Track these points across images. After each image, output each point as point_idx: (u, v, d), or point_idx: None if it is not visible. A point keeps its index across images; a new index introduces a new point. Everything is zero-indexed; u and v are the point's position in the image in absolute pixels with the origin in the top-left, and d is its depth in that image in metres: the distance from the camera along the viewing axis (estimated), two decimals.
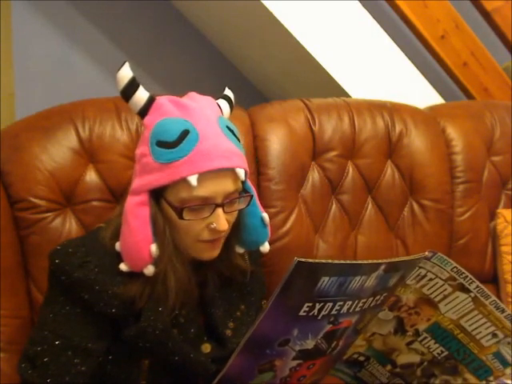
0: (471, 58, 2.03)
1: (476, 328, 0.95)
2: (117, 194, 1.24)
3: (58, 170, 1.20)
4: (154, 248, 0.92)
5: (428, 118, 1.63)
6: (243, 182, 0.97)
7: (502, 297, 1.57)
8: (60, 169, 1.21)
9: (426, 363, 1.02)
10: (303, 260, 0.74)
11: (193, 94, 0.98)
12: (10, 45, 2.01)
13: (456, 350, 0.98)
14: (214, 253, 0.98)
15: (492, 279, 1.63)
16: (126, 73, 0.92)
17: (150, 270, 0.93)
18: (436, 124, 1.63)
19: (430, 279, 0.91)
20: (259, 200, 1.07)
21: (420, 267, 0.89)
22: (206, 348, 1.01)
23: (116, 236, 0.97)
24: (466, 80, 2.05)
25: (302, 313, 0.81)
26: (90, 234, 1.05)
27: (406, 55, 1.96)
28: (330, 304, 0.82)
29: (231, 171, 0.92)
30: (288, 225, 1.40)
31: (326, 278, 0.78)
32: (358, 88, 1.90)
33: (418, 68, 1.98)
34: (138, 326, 0.94)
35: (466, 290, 0.91)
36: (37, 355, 0.93)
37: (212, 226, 0.92)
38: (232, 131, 0.95)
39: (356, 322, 0.91)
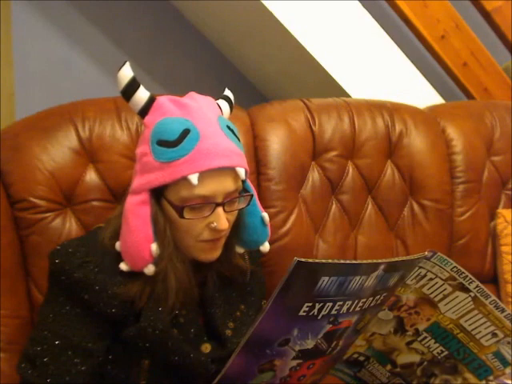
0: (471, 57, 2.03)
1: (476, 327, 0.95)
2: (117, 194, 1.23)
3: (57, 169, 1.20)
4: (154, 247, 0.92)
5: (428, 118, 1.63)
6: (243, 182, 0.97)
7: (502, 297, 1.57)
8: (60, 169, 1.21)
9: (426, 363, 1.02)
10: (303, 260, 0.74)
11: (193, 94, 0.98)
12: (10, 45, 2.01)
13: (456, 349, 0.99)
14: (215, 254, 0.98)
15: (492, 279, 1.63)
16: (126, 73, 0.93)
17: (150, 269, 0.93)
18: (436, 124, 1.63)
19: (430, 279, 0.91)
20: (259, 200, 1.07)
21: (420, 267, 0.89)
22: (206, 348, 1.01)
23: (116, 236, 0.97)
24: (466, 80, 2.05)
25: (301, 313, 0.81)
26: (90, 234, 1.05)
27: (406, 55, 1.96)
28: (330, 304, 0.82)
29: (232, 170, 0.93)
30: (288, 225, 1.40)
31: (326, 278, 0.78)
32: (358, 88, 1.90)
33: (418, 68, 1.99)
34: (138, 326, 0.94)
35: (465, 290, 0.91)
36: (37, 355, 0.93)
37: (212, 225, 0.92)
38: (232, 131, 0.96)
39: (356, 322, 0.91)
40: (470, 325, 0.95)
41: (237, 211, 0.98)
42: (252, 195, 0.99)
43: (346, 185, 1.49)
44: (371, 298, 0.87)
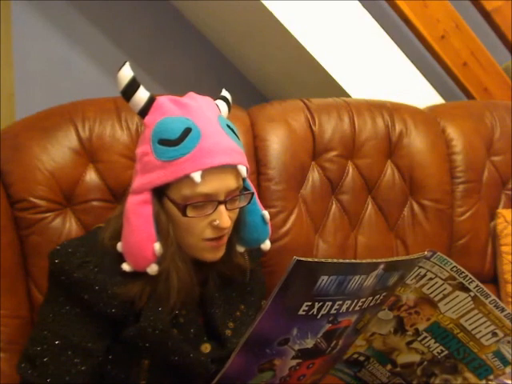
0: (471, 57, 2.03)
1: (476, 327, 0.95)
2: (117, 194, 1.23)
3: (58, 169, 1.20)
4: (157, 246, 0.92)
5: (428, 118, 1.63)
6: (243, 180, 0.98)
7: (502, 297, 1.57)
8: (60, 169, 1.21)
9: (426, 362, 1.02)
10: (302, 259, 0.74)
11: (192, 94, 0.99)
12: (10, 45, 2.01)
13: (456, 349, 0.99)
14: (219, 254, 0.98)
15: (492, 279, 1.63)
16: (126, 73, 0.93)
17: (153, 268, 0.93)
18: (436, 124, 1.63)
19: (430, 279, 0.91)
20: (259, 200, 1.07)
21: (420, 267, 0.89)
22: (206, 348, 1.02)
23: (116, 236, 0.97)
24: (466, 80, 2.05)
25: (301, 312, 0.81)
26: (90, 234, 1.05)
27: (406, 55, 1.96)
28: (329, 303, 0.82)
29: (233, 168, 0.93)
30: (288, 225, 1.40)
31: (325, 277, 0.78)
32: (358, 88, 1.90)
33: (418, 68, 1.98)
34: (138, 326, 0.94)
35: (465, 290, 0.91)
36: (37, 355, 0.93)
37: (215, 223, 0.93)
38: (232, 130, 0.96)
39: (355, 322, 0.91)
40: (470, 324, 0.95)
41: (238, 209, 0.98)
42: (253, 193, 0.99)
43: (345, 185, 1.49)
44: (371, 298, 0.87)
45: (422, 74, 1.99)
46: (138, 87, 0.93)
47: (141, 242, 0.93)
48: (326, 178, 1.47)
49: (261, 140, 1.42)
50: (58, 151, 1.21)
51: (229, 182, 0.93)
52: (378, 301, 0.90)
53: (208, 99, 0.99)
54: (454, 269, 0.89)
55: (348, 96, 1.89)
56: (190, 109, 0.93)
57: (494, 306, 0.92)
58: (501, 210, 1.63)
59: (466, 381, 1.01)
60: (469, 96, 2.09)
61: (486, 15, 2.06)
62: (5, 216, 1.16)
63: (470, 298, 0.92)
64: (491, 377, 1.00)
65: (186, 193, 0.91)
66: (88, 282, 0.93)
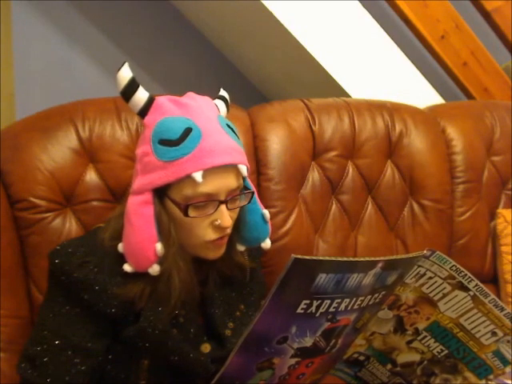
0: (471, 57, 2.03)
1: (475, 326, 0.95)
2: (117, 194, 1.24)
3: (58, 169, 1.20)
4: (159, 247, 0.92)
5: (428, 118, 1.63)
6: (243, 180, 0.98)
7: (502, 297, 1.57)
8: (60, 169, 1.21)
9: (425, 362, 1.02)
10: (300, 257, 0.75)
11: (191, 94, 0.99)
12: (10, 45, 2.01)
13: (456, 348, 0.98)
14: (220, 252, 0.99)
15: (492, 279, 1.63)
16: (125, 73, 0.93)
17: (155, 269, 0.93)
18: (436, 124, 1.63)
19: (429, 278, 0.91)
20: (259, 200, 1.07)
21: (419, 266, 0.89)
22: (206, 348, 1.02)
23: (116, 236, 0.97)
24: (466, 80, 2.05)
25: (299, 310, 0.81)
26: (90, 234, 1.05)
27: (406, 55, 1.96)
28: (328, 301, 0.82)
29: (234, 167, 0.93)
30: (288, 225, 1.40)
31: (323, 275, 0.78)
32: (358, 88, 1.90)
33: (418, 68, 1.98)
34: (138, 326, 0.94)
35: (465, 289, 0.91)
36: (37, 355, 0.93)
37: (216, 222, 0.93)
38: (232, 129, 0.97)
39: (355, 320, 0.91)
40: (469, 324, 0.95)
41: (238, 209, 0.98)
42: (253, 192, 0.99)
43: (345, 185, 1.49)
44: (370, 296, 0.87)
45: (422, 74, 1.99)
46: (137, 87, 0.93)
47: (142, 242, 0.93)
48: (326, 178, 1.47)
49: (261, 140, 1.42)
50: (58, 151, 1.21)
51: (230, 182, 0.93)
52: (377, 300, 0.90)
53: (207, 99, 0.99)
54: (454, 268, 0.89)
55: (348, 96, 1.89)
56: (189, 108, 0.93)
57: (494, 306, 0.92)
58: (501, 210, 1.63)
59: (465, 380, 1.01)
60: (469, 96, 2.09)
61: (486, 15, 2.06)
62: (5, 216, 1.16)
63: (469, 298, 0.92)
64: (491, 376, 1.00)
65: (188, 193, 0.91)
66: (88, 282, 0.93)
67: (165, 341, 0.96)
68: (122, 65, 0.93)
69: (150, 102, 0.94)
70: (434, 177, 1.56)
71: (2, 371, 1.09)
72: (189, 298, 0.98)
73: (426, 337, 0.99)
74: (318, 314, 0.83)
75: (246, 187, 0.99)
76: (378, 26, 1.90)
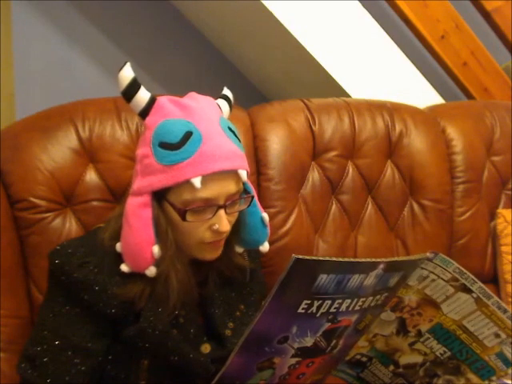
0: (471, 57, 2.03)
1: (478, 328, 0.94)
2: (117, 194, 1.23)
3: (58, 169, 1.20)
4: (156, 249, 0.92)
5: (428, 118, 1.63)
6: (244, 183, 0.97)
7: (502, 297, 1.57)
8: (60, 169, 1.20)
9: (428, 363, 1.02)
10: (301, 257, 0.75)
11: (193, 94, 0.98)
12: (10, 45, 2.01)
13: (459, 350, 0.98)
14: (217, 253, 0.99)
15: (492, 279, 1.63)
16: (127, 73, 0.92)
17: (151, 271, 0.93)
18: (436, 124, 1.63)
19: (432, 280, 0.90)
20: (259, 200, 1.07)
21: (422, 268, 0.89)
22: (206, 348, 1.02)
23: (116, 236, 0.97)
24: (466, 80, 2.05)
25: (300, 310, 0.81)
26: (90, 234, 1.05)
27: (406, 55, 1.96)
28: (329, 302, 0.82)
29: (234, 173, 0.93)
30: (288, 225, 1.40)
31: (324, 276, 0.78)
32: (358, 88, 1.90)
33: (418, 68, 1.98)
34: (138, 327, 0.94)
35: (468, 291, 0.90)
36: (36, 355, 0.93)
37: (214, 227, 0.93)
38: (233, 132, 0.96)
39: (356, 322, 0.91)
40: (472, 325, 0.94)
41: (238, 212, 0.98)
42: (253, 196, 0.99)
43: (345, 185, 1.49)
44: (371, 298, 0.87)
45: (422, 74, 1.99)
46: (138, 88, 0.93)
47: (140, 244, 0.93)
48: (326, 178, 1.47)
49: (261, 140, 1.42)
50: (58, 151, 1.21)
51: (229, 187, 0.92)
52: (379, 301, 0.90)
53: (209, 99, 0.98)
54: (457, 270, 0.89)
55: (348, 96, 1.89)
56: (191, 111, 0.92)
57: (497, 308, 0.91)
58: (501, 210, 1.63)
59: (468, 382, 1.01)
60: (469, 96, 2.09)
61: (486, 15, 2.06)
62: (5, 216, 1.16)
63: (472, 300, 0.91)
64: (494, 378, 1.00)
65: (186, 197, 0.90)
66: (88, 282, 0.93)
67: (165, 341, 0.96)
68: (124, 65, 0.93)
69: (152, 102, 0.94)
70: (433, 177, 1.56)
71: (2, 371, 1.09)
72: (188, 298, 0.98)
73: (428, 338, 0.98)
74: (318, 315, 0.83)
75: (246, 190, 0.99)
76: (378, 26, 1.90)
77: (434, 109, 1.72)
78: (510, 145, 1.67)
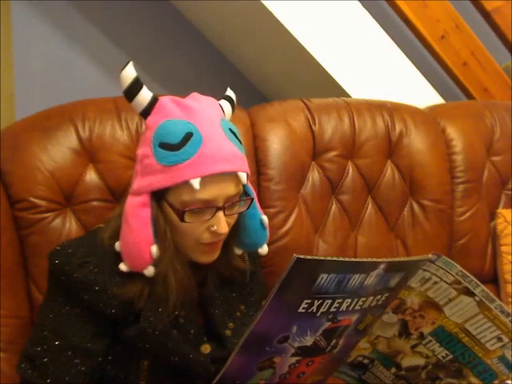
0: (471, 57, 2.03)
1: (481, 332, 0.94)
2: (117, 194, 1.23)
3: (58, 169, 1.20)
4: (154, 249, 0.92)
5: (428, 118, 1.63)
6: (244, 185, 0.97)
7: (502, 297, 1.57)
8: (60, 169, 1.20)
9: (430, 366, 1.01)
10: (302, 257, 0.75)
11: (195, 95, 0.98)
12: (10, 45, 2.01)
13: (461, 353, 0.98)
14: (213, 256, 0.98)
15: (492, 279, 1.63)
16: (129, 73, 0.92)
17: (150, 270, 0.93)
18: (436, 124, 1.63)
19: (435, 282, 0.90)
20: (259, 200, 1.07)
21: (424, 270, 0.88)
22: (206, 348, 1.02)
23: (115, 236, 0.97)
24: (466, 80, 2.05)
25: (300, 309, 0.81)
26: (90, 234, 1.05)
27: (406, 55, 1.96)
28: (329, 301, 0.82)
29: (233, 175, 0.92)
30: (288, 225, 1.40)
31: (325, 275, 0.78)
32: (358, 88, 1.90)
33: (418, 68, 1.98)
34: (138, 327, 0.94)
35: (470, 294, 0.90)
36: (36, 355, 0.93)
37: (213, 228, 0.93)
38: (234, 134, 0.95)
39: (356, 322, 0.91)
40: (475, 329, 0.94)
41: (237, 214, 0.98)
42: (252, 199, 0.99)
43: (345, 185, 1.49)
44: (372, 298, 0.87)
45: (422, 74, 1.99)
46: (141, 87, 0.93)
47: (138, 243, 0.93)
48: (326, 178, 1.47)
49: (261, 140, 1.42)
50: (58, 151, 1.21)
51: (228, 189, 0.92)
52: (380, 302, 0.90)
53: (212, 100, 0.98)
54: (460, 273, 0.88)
55: (348, 96, 1.89)
56: (192, 112, 0.92)
57: (500, 311, 0.91)
58: (501, 210, 1.63)
59: None
60: (469, 96, 2.09)
61: (486, 15, 2.06)
62: (5, 216, 1.16)
63: (475, 303, 0.91)
64: (496, 381, 0.99)
65: (185, 198, 0.90)
66: (88, 282, 0.93)
67: (165, 341, 0.96)
68: (126, 64, 0.92)
69: (154, 102, 0.93)
70: (433, 177, 1.56)
71: (2, 371, 1.09)
72: (187, 299, 0.98)
73: (430, 341, 0.98)
74: (318, 314, 0.83)
75: (246, 192, 0.99)
76: (378, 26, 1.90)
77: (433, 109, 1.72)
78: (509, 145, 1.67)
